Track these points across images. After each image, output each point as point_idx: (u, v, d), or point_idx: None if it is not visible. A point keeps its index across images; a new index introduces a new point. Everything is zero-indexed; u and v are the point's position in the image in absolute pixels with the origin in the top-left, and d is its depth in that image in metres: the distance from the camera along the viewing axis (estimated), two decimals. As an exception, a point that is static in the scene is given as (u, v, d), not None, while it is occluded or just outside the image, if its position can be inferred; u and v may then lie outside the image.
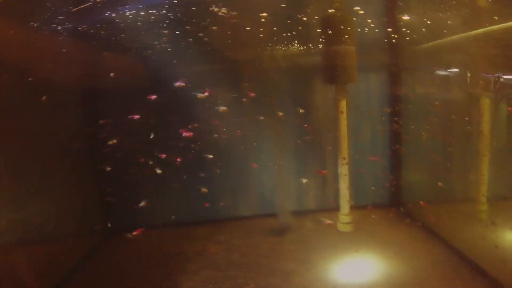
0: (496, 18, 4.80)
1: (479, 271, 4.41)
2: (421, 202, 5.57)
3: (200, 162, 5.81)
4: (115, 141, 5.14)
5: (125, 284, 4.64)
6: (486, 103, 5.37)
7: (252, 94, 5.27)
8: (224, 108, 4.88)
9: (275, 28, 5.67)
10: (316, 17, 5.52)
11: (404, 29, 6.02)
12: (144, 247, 5.71)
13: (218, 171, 5.89)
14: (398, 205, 6.65)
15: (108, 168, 5.48)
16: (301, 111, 5.71)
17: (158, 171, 5.07)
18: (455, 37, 5.32)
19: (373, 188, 6.45)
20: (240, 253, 5.32)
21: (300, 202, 6.41)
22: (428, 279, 4.40)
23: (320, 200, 6.37)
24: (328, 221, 5.71)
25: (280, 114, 5.72)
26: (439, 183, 5.56)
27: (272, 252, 5.31)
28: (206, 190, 5.38)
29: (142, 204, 5.03)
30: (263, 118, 5.58)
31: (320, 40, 5.67)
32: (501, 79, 5.17)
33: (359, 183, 6.19)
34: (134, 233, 4.92)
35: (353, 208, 5.86)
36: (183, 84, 4.43)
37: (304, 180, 5.55)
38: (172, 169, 5.65)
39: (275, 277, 4.61)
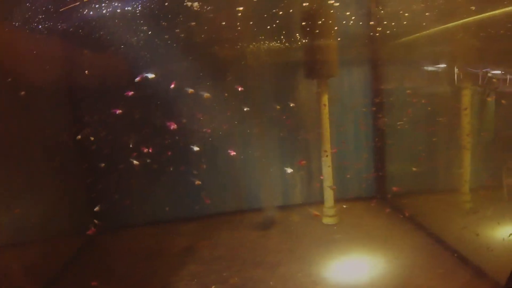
0: (473, 8, 4.93)
1: (462, 259, 4.52)
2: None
3: (185, 158, 5.88)
4: (93, 138, 5.20)
5: (113, 282, 4.70)
6: (467, 96, 5.51)
7: (241, 88, 5.31)
8: (208, 94, 4.93)
9: (254, 22, 5.74)
10: (297, 11, 5.58)
11: (385, 23, 6.11)
12: (131, 244, 5.79)
13: (204, 167, 5.94)
14: (382, 197, 6.76)
15: (102, 164, 5.52)
16: (277, 107, 5.82)
17: (135, 162, 5.09)
18: (434, 29, 5.45)
19: (357, 180, 6.56)
20: (226, 247, 5.41)
21: (286, 196, 6.50)
22: (411, 267, 4.51)
23: (305, 194, 6.45)
24: (315, 212, 5.80)
25: (265, 108, 5.83)
26: (421, 173, 5.71)
27: (257, 245, 5.40)
28: (200, 182, 5.42)
29: (96, 208, 5.04)
30: (247, 109, 5.61)
31: (301, 34, 5.76)
32: (489, 74, 5.31)
33: (343, 176, 6.30)
34: (88, 232, 4.94)
35: (338, 200, 5.97)
36: (147, 76, 4.47)
37: (289, 170, 5.58)
38: (158, 166, 5.72)
39: (259, 270, 4.70)
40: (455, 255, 4.63)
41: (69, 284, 4.70)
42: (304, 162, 6.06)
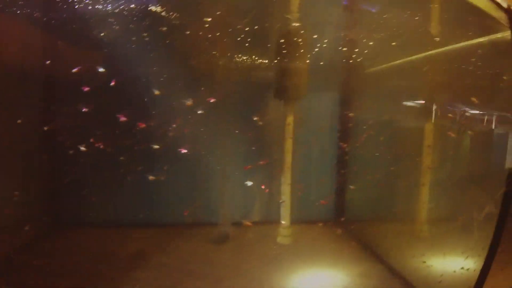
0: (437, 39, 5.22)
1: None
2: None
3: (149, 166, 5.93)
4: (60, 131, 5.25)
5: (50, 280, 4.66)
6: (429, 130, 5.73)
7: (212, 100, 5.45)
8: (190, 102, 5.06)
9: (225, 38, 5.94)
10: (268, 31, 5.82)
11: (359, 51, 6.37)
12: (82, 244, 5.76)
13: (167, 176, 6.00)
14: (340, 222, 6.86)
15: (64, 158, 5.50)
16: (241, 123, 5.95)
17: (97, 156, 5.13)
18: (403, 60, 5.72)
19: (317, 204, 6.64)
20: (176, 257, 5.41)
21: (244, 214, 6.55)
22: None
23: (264, 212, 6.51)
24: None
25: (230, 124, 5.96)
26: (380, 201, 5.84)
27: (207, 258, 5.42)
28: (153, 178, 5.46)
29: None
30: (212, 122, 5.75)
31: (272, 54, 5.97)
32: (467, 113, 5.55)
33: (304, 199, 6.38)
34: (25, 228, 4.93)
35: (297, 222, 6.04)
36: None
37: (249, 186, 5.68)
38: (123, 168, 5.77)
39: (203, 282, 4.73)
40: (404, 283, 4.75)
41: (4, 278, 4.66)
42: (263, 186, 6.15)
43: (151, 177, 5.46)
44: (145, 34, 5.49)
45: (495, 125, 5.49)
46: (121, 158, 5.61)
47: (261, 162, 6.03)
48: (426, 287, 4.61)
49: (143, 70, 5.65)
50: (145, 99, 5.60)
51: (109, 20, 5.42)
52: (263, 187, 6.15)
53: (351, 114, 6.66)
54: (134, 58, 5.53)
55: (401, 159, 6.06)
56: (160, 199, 6.14)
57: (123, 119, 4.89)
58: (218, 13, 5.55)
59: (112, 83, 4.87)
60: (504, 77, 4.73)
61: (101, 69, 4.54)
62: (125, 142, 5.61)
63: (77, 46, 5.61)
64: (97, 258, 5.24)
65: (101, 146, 5.44)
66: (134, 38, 5.53)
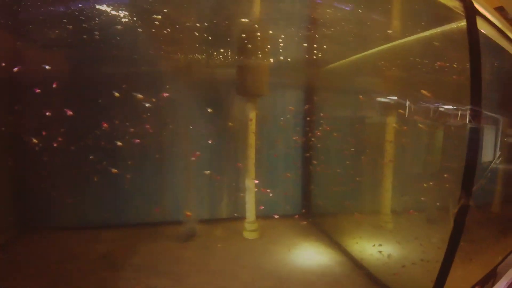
0: (390, 32, 5.37)
1: (371, 277, 4.92)
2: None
3: (114, 166, 5.99)
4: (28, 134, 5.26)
5: (16, 282, 4.74)
6: (391, 125, 5.93)
7: (166, 95, 5.51)
8: (141, 96, 5.11)
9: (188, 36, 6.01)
10: (232, 30, 5.92)
11: (321, 48, 6.52)
12: (50, 246, 5.80)
13: (133, 176, 6.08)
14: (306, 215, 7.09)
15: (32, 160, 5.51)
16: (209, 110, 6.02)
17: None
18: (360, 55, 5.89)
19: (283, 198, 6.83)
20: (141, 256, 5.49)
21: (211, 211, 6.70)
22: (317, 283, 4.80)
23: (230, 208, 6.66)
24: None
25: (194, 121, 6.06)
26: (345, 194, 6.04)
27: (173, 256, 5.50)
28: (116, 171, 5.51)
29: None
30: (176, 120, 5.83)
31: (234, 52, 6.09)
32: (441, 109, 5.74)
33: (269, 193, 6.55)
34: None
35: (264, 217, 6.22)
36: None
37: (214, 183, 5.80)
38: (86, 172, 5.83)
39: (168, 279, 4.82)
40: (365, 273, 5.01)
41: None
42: (218, 177, 6.27)
43: (114, 170, 5.46)
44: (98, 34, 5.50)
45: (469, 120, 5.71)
46: (86, 159, 5.67)
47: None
48: (385, 276, 4.81)
49: (104, 70, 5.69)
50: (108, 99, 5.62)
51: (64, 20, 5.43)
52: (218, 178, 6.25)
53: (313, 110, 6.80)
54: (94, 57, 5.57)
55: (364, 153, 6.25)
56: (127, 200, 6.19)
57: (69, 113, 4.92)
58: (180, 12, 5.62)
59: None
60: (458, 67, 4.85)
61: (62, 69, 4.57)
62: (90, 143, 5.69)
63: (36, 47, 5.60)
64: (65, 260, 5.32)
65: (66, 148, 5.48)
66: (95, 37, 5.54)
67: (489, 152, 6.32)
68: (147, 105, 5.39)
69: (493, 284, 5.12)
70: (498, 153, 6.36)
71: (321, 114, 6.81)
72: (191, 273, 5.00)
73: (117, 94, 5.07)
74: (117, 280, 4.82)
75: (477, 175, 5.71)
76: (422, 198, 5.63)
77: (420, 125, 5.75)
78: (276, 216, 6.58)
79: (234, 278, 4.89)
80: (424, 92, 4.90)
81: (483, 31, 4.08)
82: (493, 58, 5.64)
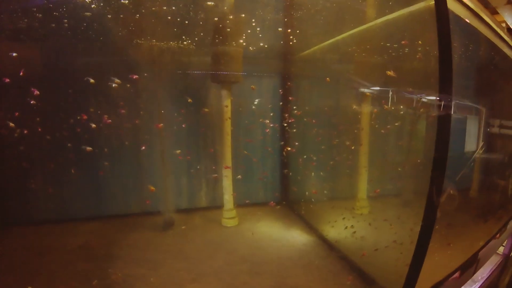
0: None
1: (346, 260, 5.08)
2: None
3: (91, 157, 6.03)
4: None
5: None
6: (366, 113, 5.97)
7: (135, 76, 5.51)
8: (92, 80, 5.10)
9: (164, 24, 6.04)
10: (206, 17, 5.95)
11: (296, 35, 6.56)
12: (28, 240, 5.85)
13: (108, 168, 6.13)
14: (284, 202, 7.24)
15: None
16: (189, 100, 6.01)
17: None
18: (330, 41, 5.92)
19: (262, 185, 6.91)
20: (119, 246, 5.54)
21: (190, 200, 6.76)
22: (292, 267, 4.94)
23: (210, 198, 6.74)
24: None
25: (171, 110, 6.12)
26: (322, 180, 6.10)
27: (150, 245, 5.57)
28: (91, 149, 5.52)
29: None
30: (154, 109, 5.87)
31: (209, 39, 6.11)
32: (423, 99, 5.77)
33: (249, 182, 6.63)
34: None
35: (242, 205, 6.31)
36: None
37: (183, 156, 5.81)
38: (63, 163, 5.89)
39: (143, 268, 4.90)
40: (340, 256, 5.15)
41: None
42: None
43: (88, 148, 5.46)
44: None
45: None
46: (63, 152, 5.73)
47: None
48: (357, 257, 4.90)
49: (76, 59, 5.70)
50: (84, 92, 5.67)
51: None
52: (188, 158, 6.30)
53: (290, 98, 6.86)
54: (64, 47, 5.59)
55: (341, 142, 6.31)
56: (105, 191, 6.25)
57: (36, 92, 4.94)
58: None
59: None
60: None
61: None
62: (66, 136, 5.74)
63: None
64: (44, 253, 5.40)
65: (43, 142, 5.53)
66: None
67: (469, 141, 6.36)
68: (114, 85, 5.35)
69: (476, 270, 5.20)
70: (475, 142, 6.41)
71: (294, 100, 6.86)
72: (167, 260, 5.08)
73: (92, 81, 5.07)
74: (94, 269, 4.88)
75: (455, 163, 5.88)
76: (397, 183, 5.68)
77: (393, 111, 5.77)
78: (254, 203, 6.68)
79: (209, 264, 4.97)
80: (389, 73, 4.90)
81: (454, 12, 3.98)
82: (466, 41, 5.66)
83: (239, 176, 6.13)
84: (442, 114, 3.41)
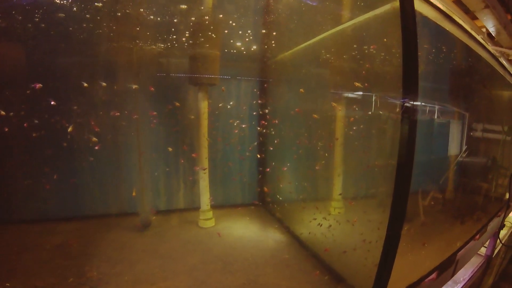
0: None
1: (317, 258, 5.44)
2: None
3: (69, 158, 6.25)
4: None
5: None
6: (340, 116, 6.25)
7: (104, 84, 5.75)
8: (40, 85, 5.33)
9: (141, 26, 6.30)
10: (185, 20, 6.23)
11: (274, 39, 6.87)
12: (6, 239, 6.13)
13: (88, 169, 6.40)
14: (261, 203, 7.58)
15: None
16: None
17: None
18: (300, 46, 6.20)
19: (240, 187, 7.22)
20: (96, 245, 5.80)
21: (168, 201, 7.05)
22: (264, 265, 5.28)
23: (188, 199, 7.04)
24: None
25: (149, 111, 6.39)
26: (296, 183, 6.39)
27: (127, 245, 5.81)
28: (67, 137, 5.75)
29: None
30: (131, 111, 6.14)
31: (188, 42, 6.40)
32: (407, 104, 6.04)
33: (226, 184, 6.94)
34: None
35: (220, 206, 6.63)
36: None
37: (171, 173, 6.10)
38: (41, 164, 6.09)
39: (120, 266, 5.16)
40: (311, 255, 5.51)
41: None
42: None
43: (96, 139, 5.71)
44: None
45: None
46: (42, 153, 5.98)
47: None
48: (328, 255, 5.21)
49: (53, 60, 5.91)
50: (62, 92, 5.90)
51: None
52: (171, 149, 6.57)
53: (264, 101, 7.16)
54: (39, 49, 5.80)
55: (315, 145, 6.61)
56: (82, 191, 6.51)
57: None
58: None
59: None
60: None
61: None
62: (45, 136, 5.96)
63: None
64: (22, 251, 5.65)
65: (21, 141, 5.78)
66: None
67: (444, 143, 6.68)
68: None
69: (455, 271, 5.43)
70: (451, 144, 6.72)
71: (270, 103, 7.16)
72: (142, 259, 5.33)
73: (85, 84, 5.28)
74: (71, 267, 5.15)
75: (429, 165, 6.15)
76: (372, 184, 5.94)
77: (367, 114, 6.01)
78: (231, 205, 6.98)
79: (183, 262, 5.25)
80: (357, 84, 5.17)
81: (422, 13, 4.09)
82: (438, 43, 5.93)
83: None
84: (406, 115, 3.45)
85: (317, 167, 6.40)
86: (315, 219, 5.76)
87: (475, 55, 6.04)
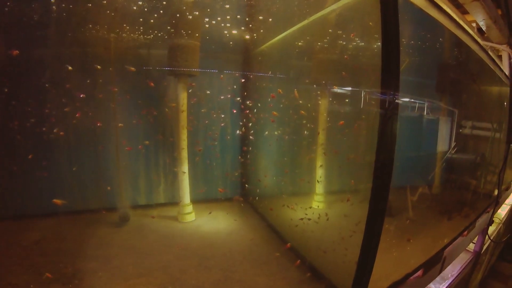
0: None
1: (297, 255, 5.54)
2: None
3: (47, 152, 6.34)
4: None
5: None
6: (322, 110, 6.29)
7: (70, 68, 5.72)
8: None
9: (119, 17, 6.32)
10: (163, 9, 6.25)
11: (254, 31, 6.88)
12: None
13: (65, 163, 6.50)
14: (243, 198, 7.71)
15: None
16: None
17: None
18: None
19: (222, 182, 7.31)
20: (73, 242, 5.91)
21: (148, 196, 7.17)
22: (241, 261, 5.41)
23: (168, 193, 7.15)
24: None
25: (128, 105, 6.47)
26: (279, 178, 6.47)
27: (103, 241, 5.91)
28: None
29: None
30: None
31: (166, 32, 6.44)
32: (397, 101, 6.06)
33: (209, 178, 7.04)
34: None
35: (202, 201, 6.72)
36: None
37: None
38: (17, 159, 6.20)
39: (95, 262, 5.27)
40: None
41: None
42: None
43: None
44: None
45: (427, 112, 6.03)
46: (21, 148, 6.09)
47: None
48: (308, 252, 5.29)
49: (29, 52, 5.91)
50: (36, 86, 5.99)
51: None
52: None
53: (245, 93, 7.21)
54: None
55: (298, 141, 6.67)
56: (60, 187, 6.60)
57: None
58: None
59: None
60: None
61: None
62: (24, 131, 6.07)
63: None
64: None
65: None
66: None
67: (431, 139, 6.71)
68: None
69: (443, 268, 5.48)
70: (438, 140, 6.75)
71: (251, 96, 7.21)
72: (118, 255, 5.43)
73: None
74: (46, 264, 5.28)
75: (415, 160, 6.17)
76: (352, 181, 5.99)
77: (348, 109, 6.04)
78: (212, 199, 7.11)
79: (158, 258, 5.35)
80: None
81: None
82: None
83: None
84: (386, 109, 3.37)
85: (300, 161, 6.47)
86: (301, 218, 5.82)
87: (465, 47, 6.00)
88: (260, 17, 6.56)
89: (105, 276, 4.97)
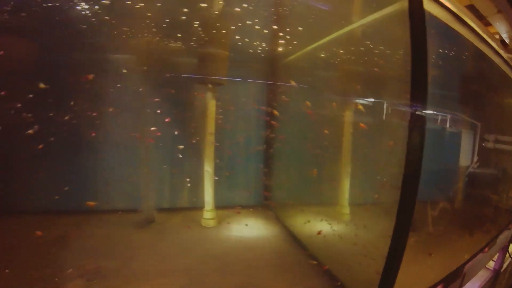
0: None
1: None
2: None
3: (73, 152, 6.63)
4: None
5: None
6: (347, 121, 6.45)
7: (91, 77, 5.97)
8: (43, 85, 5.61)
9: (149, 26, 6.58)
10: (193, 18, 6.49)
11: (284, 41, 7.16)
12: (9, 231, 6.51)
13: (91, 163, 6.78)
14: (266, 206, 7.87)
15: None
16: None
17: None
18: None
19: (245, 189, 7.50)
20: (96, 241, 6.09)
21: (172, 200, 7.39)
22: (263, 268, 5.56)
23: (192, 198, 7.36)
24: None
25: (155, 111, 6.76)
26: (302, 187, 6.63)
27: (125, 241, 6.14)
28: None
29: None
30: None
31: (196, 42, 6.73)
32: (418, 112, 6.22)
33: (232, 185, 7.24)
34: None
35: (224, 207, 6.92)
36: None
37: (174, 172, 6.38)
38: (44, 157, 6.42)
39: (116, 261, 5.42)
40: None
41: None
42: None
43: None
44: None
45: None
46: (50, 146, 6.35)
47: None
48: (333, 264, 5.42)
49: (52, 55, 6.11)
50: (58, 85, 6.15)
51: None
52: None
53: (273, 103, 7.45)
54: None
55: (324, 150, 6.84)
56: (88, 188, 6.85)
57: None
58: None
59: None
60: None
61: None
62: (52, 131, 6.29)
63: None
64: (22, 243, 5.98)
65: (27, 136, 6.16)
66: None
67: (455, 153, 6.81)
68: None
69: (462, 284, 5.54)
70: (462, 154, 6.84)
71: (278, 106, 7.43)
72: (138, 257, 5.60)
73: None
74: (70, 260, 5.47)
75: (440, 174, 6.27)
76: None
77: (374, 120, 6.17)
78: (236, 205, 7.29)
79: (181, 261, 5.53)
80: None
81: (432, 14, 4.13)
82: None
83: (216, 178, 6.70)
84: (414, 122, 3.50)
85: (325, 171, 6.62)
86: (321, 219, 5.92)
87: (487, 59, 6.13)
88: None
89: (128, 275, 5.13)
